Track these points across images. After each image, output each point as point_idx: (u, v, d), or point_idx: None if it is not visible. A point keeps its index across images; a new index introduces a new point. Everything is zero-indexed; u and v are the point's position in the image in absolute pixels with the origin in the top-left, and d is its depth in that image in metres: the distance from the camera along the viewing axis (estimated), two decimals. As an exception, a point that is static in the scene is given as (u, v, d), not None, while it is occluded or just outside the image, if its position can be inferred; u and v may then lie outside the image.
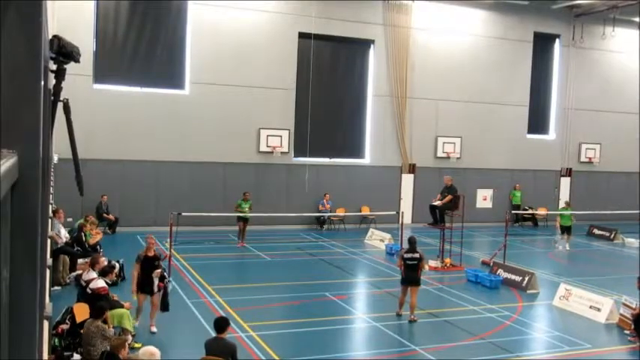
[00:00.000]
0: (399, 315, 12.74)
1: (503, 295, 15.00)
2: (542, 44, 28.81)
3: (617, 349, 11.64)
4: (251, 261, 18.35)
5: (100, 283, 10.91)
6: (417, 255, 12.61)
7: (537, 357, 11.10)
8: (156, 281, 11.04)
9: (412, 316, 12.35)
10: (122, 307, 10.77)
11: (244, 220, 20.18)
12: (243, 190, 22.46)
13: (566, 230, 22.09)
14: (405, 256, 12.67)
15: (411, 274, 12.54)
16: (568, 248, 21.98)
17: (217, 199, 22.96)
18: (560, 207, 22.97)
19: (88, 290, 10.87)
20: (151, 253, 11.17)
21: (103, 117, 21.64)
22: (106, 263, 14.03)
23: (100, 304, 9.52)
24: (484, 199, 27.89)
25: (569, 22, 28.80)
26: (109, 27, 22.05)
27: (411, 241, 12.87)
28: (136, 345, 10.32)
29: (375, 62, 25.92)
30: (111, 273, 11.79)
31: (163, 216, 19.02)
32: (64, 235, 15.45)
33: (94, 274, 11.20)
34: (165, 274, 11.24)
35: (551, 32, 28.76)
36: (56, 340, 9.71)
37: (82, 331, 9.64)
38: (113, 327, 9.95)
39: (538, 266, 18.20)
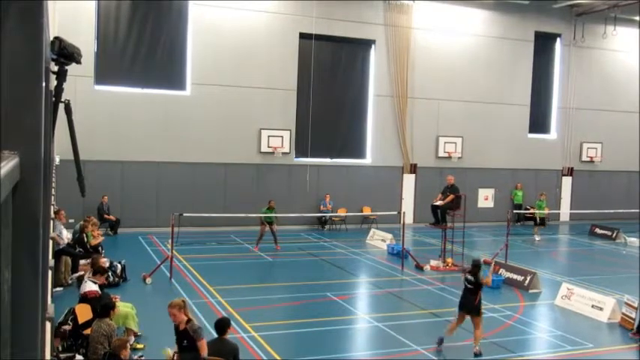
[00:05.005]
0: (441, 342, 10.82)
1: (505, 295, 14.99)
2: (543, 43, 28.78)
3: (620, 348, 11.62)
4: (252, 261, 18.34)
5: (88, 286, 10.62)
6: (474, 279, 10.83)
7: (539, 357, 11.09)
8: None
9: (476, 348, 10.59)
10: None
11: (270, 223, 19.35)
12: (245, 190, 22.53)
13: (541, 222, 23.78)
14: (468, 278, 10.94)
15: (467, 298, 10.87)
16: (538, 238, 23.55)
17: (218, 200, 22.97)
18: (538, 199, 24.19)
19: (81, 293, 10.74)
20: (181, 326, 8.01)
21: (104, 118, 21.66)
22: (107, 264, 14.06)
23: (105, 302, 9.49)
24: (485, 198, 27.88)
25: (570, 22, 28.78)
26: (109, 28, 22.06)
27: (474, 264, 11.10)
28: (138, 346, 10.33)
29: (376, 62, 25.92)
30: (101, 274, 11.07)
31: (165, 217, 19.02)
32: (66, 236, 15.45)
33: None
34: None
35: (552, 31, 28.74)
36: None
37: (85, 331, 9.64)
38: (117, 327, 9.93)
39: (540, 266, 18.17)
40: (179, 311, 8.00)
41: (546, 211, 24.00)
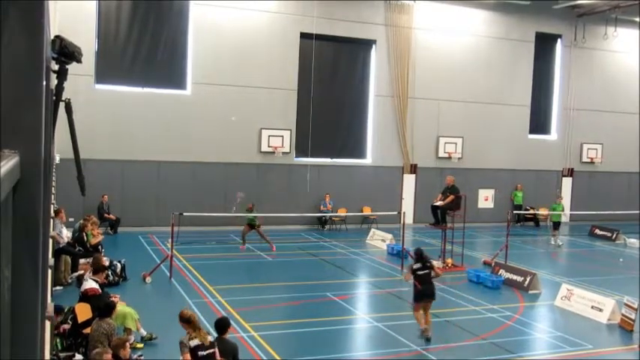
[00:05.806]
0: (425, 334, 11.10)
1: (505, 296, 14.99)
2: (544, 44, 28.77)
3: (619, 349, 11.62)
4: (252, 261, 18.34)
5: (88, 284, 10.67)
6: (428, 264, 11.51)
7: (539, 357, 11.09)
8: None
9: (430, 333, 11.11)
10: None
11: (251, 225, 19.32)
12: (245, 190, 22.39)
13: (556, 225, 23.26)
14: (415, 266, 11.47)
15: (428, 286, 11.29)
16: (560, 243, 22.97)
17: (218, 199, 22.95)
18: (555, 203, 23.96)
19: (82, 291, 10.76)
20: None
21: (104, 117, 21.66)
22: (107, 263, 14.05)
23: (107, 302, 9.49)
24: (485, 199, 27.87)
25: (570, 22, 28.76)
26: (110, 27, 22.06)
27: (419, 254, 11.75)
28: (138, 345, 10.33)
29: (376, 62, 25.92)
30: (102, 272, 11.18)
31: (165, 216, 19.02)
32: (66, 235, 15.45)
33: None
34: None
35: (552, 32, 28.73)
36: (58, 340, 9.72)
37: (85, 331, 9.64)
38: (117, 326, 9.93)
39: (540, 266, 18.17)
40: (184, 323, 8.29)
41: (545, 212, 23.96)
